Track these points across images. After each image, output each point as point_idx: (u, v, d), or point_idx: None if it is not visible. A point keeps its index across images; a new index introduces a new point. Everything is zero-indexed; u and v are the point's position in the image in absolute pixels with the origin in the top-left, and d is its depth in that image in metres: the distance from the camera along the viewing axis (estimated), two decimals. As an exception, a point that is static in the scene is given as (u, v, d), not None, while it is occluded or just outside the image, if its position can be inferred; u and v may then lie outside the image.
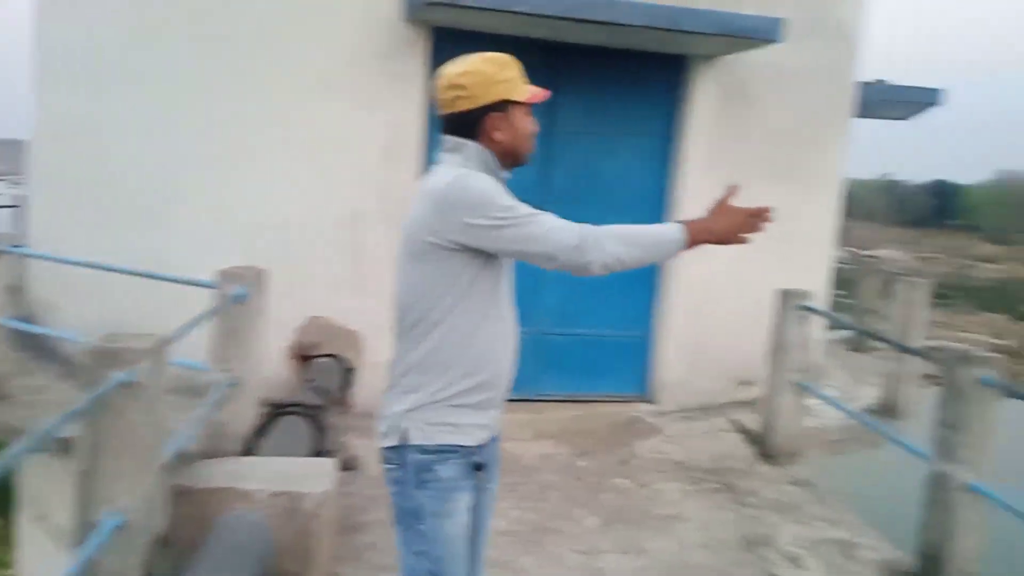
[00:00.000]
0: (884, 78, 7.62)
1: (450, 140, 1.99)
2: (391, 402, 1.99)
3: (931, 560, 3.53)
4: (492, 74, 1.95)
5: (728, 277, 5.97)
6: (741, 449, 5.25)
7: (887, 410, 6.27)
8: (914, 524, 3.65)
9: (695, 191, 5.71)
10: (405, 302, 1.98)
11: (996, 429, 3.40)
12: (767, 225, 1.98)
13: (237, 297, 3.72)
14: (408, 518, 1.97)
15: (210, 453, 3.77)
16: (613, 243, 1.84)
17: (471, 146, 1.96)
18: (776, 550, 3.84)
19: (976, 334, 25.20)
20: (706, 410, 6.00)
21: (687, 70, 5.70)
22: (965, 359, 3.33)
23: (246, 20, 5.15)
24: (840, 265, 12.53)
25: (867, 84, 7.19)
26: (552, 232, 1.84)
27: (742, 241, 1.95)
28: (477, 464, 2.01)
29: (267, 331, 4.18)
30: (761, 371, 5.28)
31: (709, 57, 5.62)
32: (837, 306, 10.20)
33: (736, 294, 6.01)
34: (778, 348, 4.98)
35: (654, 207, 5.84)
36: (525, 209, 1.87)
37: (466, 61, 1.97)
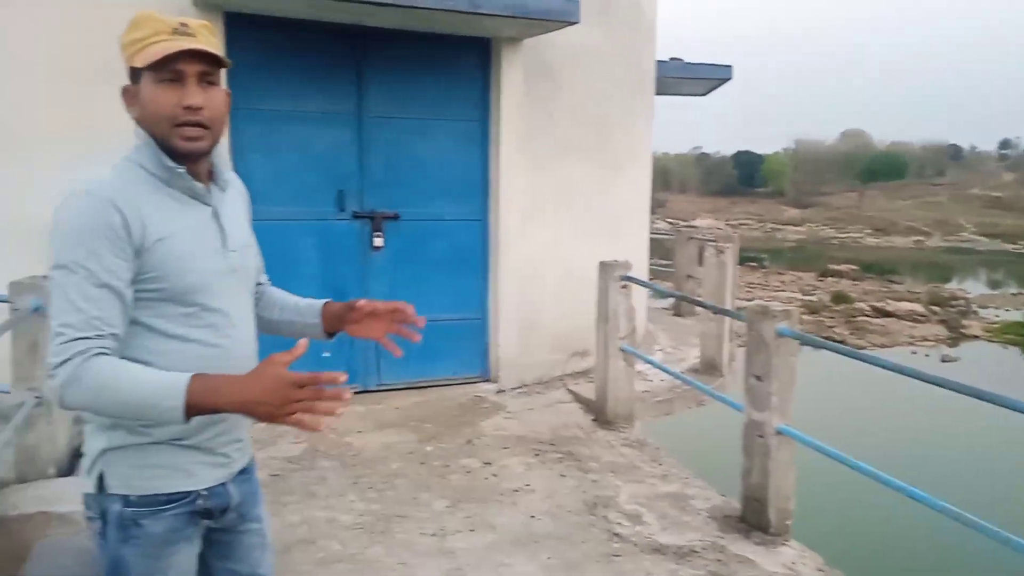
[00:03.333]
0: (679, 56, 8.10)
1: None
2: (89, 435, 1.59)
3: (753, 502, 3.82)
4: (122, 37, 1.56)
5: (553, 253, 6.18)
6: (579, 418, 5.45)
7: (709, 368, 6.72)
8: (738, 472, 3.94)
9: (509, 171, 5.85)
10: None
11: (797, 375, 3.72)
12: (339, 408, 1.39)
13: (34, 309, 3.42)
14: (112, 574, 1.60)
15: (23, 479, 3.49)
16: (87, 392, 1.40)
17: (140, 132, 1.57)
18: (617, 510, 4.02)
19: (787, 292, 27.45)
20: (545, 383, 6.19)
21: (494, 52, 5.78)
22: (765, 314, 3.61)
23: (24, 11, 4.70)
24: (663, 236, 13.27)
25: (664, 63, 7.63)
26: (59, 337, 1.42)
27: (292, 422, 1.38)
28: (204, 510, 1.63)
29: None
30: (593, 341, 5.50)
31: (514, 39, 5.73)
32: (661, 274, 10.80)
33: (562, 269, 6.23)
34: (604, 318, 5.19)
35: (472, 188, 5.93)
36: (85, 287, 1.43)
37: None
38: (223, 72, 1.62)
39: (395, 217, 5.67)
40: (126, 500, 1.55)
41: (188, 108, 1.52)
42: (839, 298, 24.15)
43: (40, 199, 4.67)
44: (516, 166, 5.88)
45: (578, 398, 5.83)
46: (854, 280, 31.02)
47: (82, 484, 1.61)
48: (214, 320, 1.59)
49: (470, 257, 5.96)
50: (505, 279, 5.95)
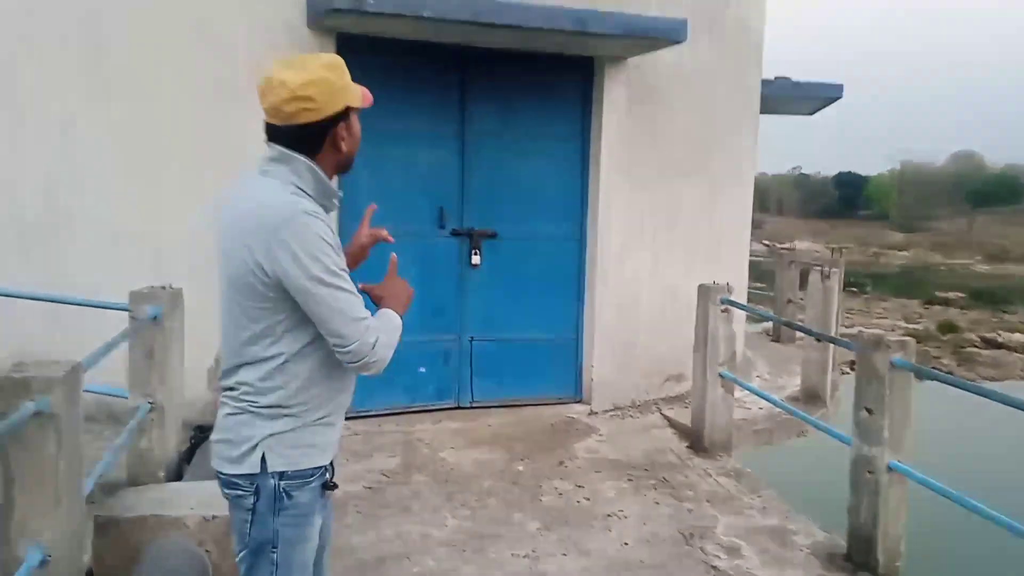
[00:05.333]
0: (787, 75, 7.88)
1: (277, 150, 1.83)
2: (245, 425, 1.84)
3: (861, 541, 3.63)
4: (335, 81, 1.82)
5: (650, 275, 6.08)
6: (674, 444, 5.33)
7: (810, 397, 6.48)
8: (843, 507, 3.76)
9: (609, 191, 5.80)
10: None
11: (912, 410, 3.53)
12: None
13: (152, 318, 3.58)
14: (261, 546, 1.85)
15: (135, 481, 3.64)
16: (387, 348, 1.84)
17: (301, 162, 1.82)
18: (714, 541, 3.90)
19: (889, 319, 26.26)
20: (639, 407, 6.08)
21: (597, 72, 5.76)
22: (879, 344, 3.44)
23: (140, 26, 4.95)
24: (758, 258, 12.92)
25: (770, 81, 7.44)
26: (363, 323, 1.80)
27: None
28: (328, 483, 1.93)
29: (187, 352, 4.04)
30: (689, 366, 5.38)
31: (617, 59, 5.70)
32: (756, 298, 10.50)
33: (659, 291, 6.12)
34: (703, 342, 5.07)
35: (571, 208, 5.91)
36: (349, 281, 1.81)
37: (305, 67, 1.80)
38: None
39: (493, 235, 5.70)
40: (282, 475, 1.83)
41: None
42: (946, 327, 22.95)
43: (159, 214, 4.97)
44: (616, 186, 5.83)
45: (673, 423, 5.70)
46: (962, 309, 29.39)
47: (231, 466, 1.85)
48: None
49: (567, 276, 5.94)
50: (602, 299, 5.89)
